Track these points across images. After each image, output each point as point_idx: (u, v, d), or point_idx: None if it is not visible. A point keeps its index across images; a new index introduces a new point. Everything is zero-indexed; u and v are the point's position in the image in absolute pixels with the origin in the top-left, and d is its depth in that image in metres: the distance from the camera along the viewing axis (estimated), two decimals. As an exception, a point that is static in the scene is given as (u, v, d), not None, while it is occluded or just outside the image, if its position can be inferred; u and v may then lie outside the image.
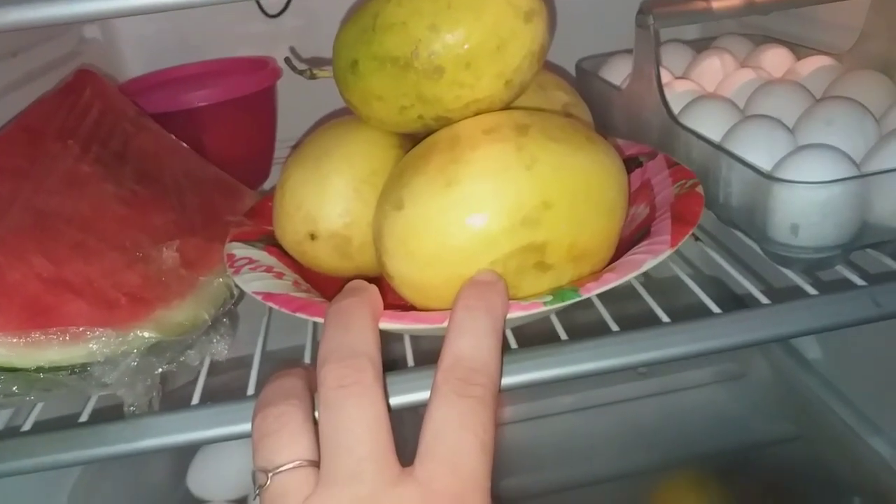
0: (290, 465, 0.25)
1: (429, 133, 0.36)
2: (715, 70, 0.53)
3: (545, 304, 0.31)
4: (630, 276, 0.32)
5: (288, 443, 0.26)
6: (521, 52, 0.36)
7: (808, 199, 0.34)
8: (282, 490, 0.25)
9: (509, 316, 0.31)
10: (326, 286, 0.40)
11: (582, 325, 0.37)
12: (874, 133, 0.40)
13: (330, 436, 0.25)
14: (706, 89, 0.51)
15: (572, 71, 0.62)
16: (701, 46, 0.59)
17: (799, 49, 0.56)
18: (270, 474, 0.25)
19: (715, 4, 0.45)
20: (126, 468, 0.57)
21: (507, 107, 0.38)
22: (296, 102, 0.62)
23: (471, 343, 0.28)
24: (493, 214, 0.31)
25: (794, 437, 0.62)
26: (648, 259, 0.33)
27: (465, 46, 0.35)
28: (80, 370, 0.29)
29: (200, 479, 0.56)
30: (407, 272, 0.33)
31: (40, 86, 0.49)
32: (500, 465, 0.63)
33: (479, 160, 0.32)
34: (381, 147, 0.38)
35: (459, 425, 0.26)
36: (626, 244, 0.37)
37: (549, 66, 0.61)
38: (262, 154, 0.59)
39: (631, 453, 0.62)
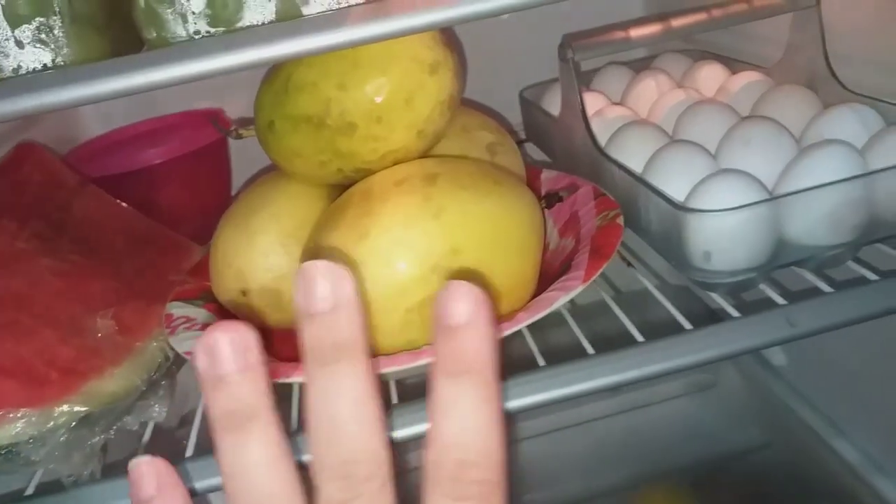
0: None
1: (352, 184, 0.37)
2: (650, 92, 0.54)
3: (458, 349, 0.32)
4: (542, 314, 0.33)
5: None
6: (430, 103, 0.37)
7: (715, 227, 0.35)
8: None
9: (417, 364, 0.32)
10: (265, 337, 0.41)
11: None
12: (792, 150, 0.41)
13: None
14: (640, 113, 0.52)
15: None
16: (644, 66, 0.60)
17: (734, 63, 0.57)
18: None
19: (633, 33, 0.46)
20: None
21: (425, 155, 0.39)
22: (251, 151, 0.64)
23: (458, 425, 0.22)
24: (403, 265, 0.32)
25: (765, 444, 0.62)
26: (560, 296, 0.34)
27: (374, 102, 0.36)
28: (5, 452, 0.30)
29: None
30: (327, 326, 0.34)
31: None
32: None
33: (388, 213, 0.33)
34: (306, 201, 0.40)
35: None
36: (555, 277, 0.38)
37: (492, 100, 0.63)
38: (219, 205, 0.60)
39: (605, 471, 0.63)
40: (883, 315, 0.35)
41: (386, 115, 0.36)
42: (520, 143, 0.63)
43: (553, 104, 0.56)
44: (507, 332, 0.33)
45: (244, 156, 0.61)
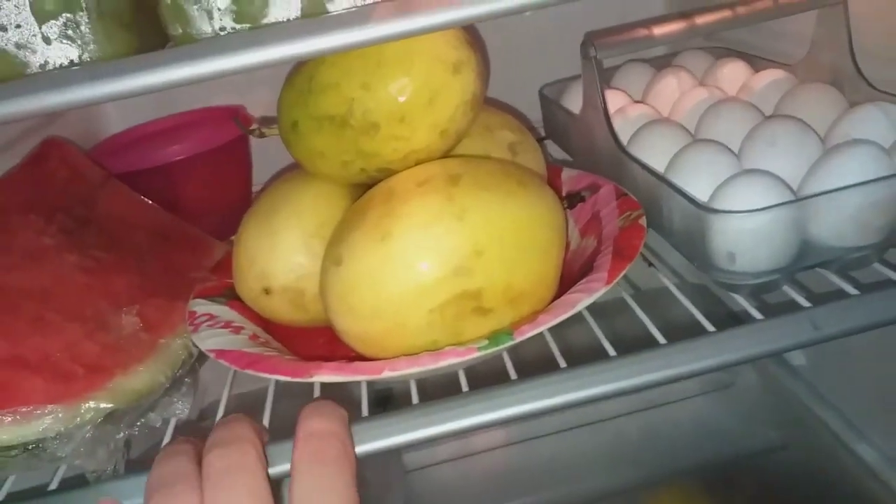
0: None
1: (374, 183, 0.37)
2: (671, 90, 0.53)
3: (480, 349, 0.32)
4: (564, 317, 0.33)
5: None
6: (454, 102, 0.37)
7: (740, 228, 0.35)
8: None
9: (452, 362, 0.32)
10: (288, 335, 0.41)
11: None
12: (817, 150, 0.40)
13: None
14: (662, 111, 0.52)
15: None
16: (665, 63, 0.59)
17: (757, 61, 0.56)
18: None
19: (656, 31, 0.46)
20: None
21: (447, 154, 0.39)
22: (271, 148, 0.64)
23: None
24: (425, 265, 0.32)
25: (782, 446, 0.62)
26: (583, 298, 0.34)
27: (398, 102, 0.36)
28: (32, 447, 0.31)
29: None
30: (349, 326, 0.34)
31: (20, 150, 0.50)
32: (490, 489, 0.64)
33: (411, 213, 0.33)
34: (329, 199, 0.40)
35: None
36: (576, 278, 0.38)
37: (512, 98, 0.63)
38: (239, 202, 0.61)
39: (620, 470, 0.63)
40: (910, 319, 0.34)
41: (409, 114, 0.36)
42: (539, 140, 0.63)
43: (573, 102, 0.56)
44: (529, 335, 0.32)
45: (265, 153, 0.61)
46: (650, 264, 0.42)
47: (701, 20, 0.46)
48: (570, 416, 0.64)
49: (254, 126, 0.42)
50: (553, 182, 0.48)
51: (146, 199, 0.48)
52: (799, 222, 0.36)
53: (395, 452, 0.56)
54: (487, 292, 0.33)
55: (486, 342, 0.32)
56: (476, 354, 0.32)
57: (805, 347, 0.34)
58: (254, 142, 0.62)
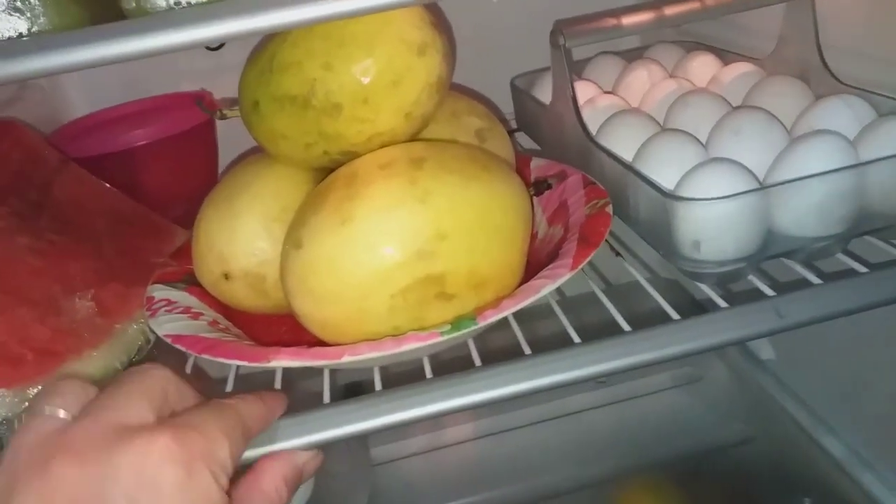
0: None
1: (338, 167, 0.37)
2: (642, 82, 0.53)
3: (442, 333, 0.32)
4: (528, 302, 0.33)
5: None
6: (419, 85, 0.36)
7: (705, 216, 0.34)
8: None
9: (414, 346, 0.31)
10: (249, 322, 0.40)
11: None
12: (783, 140, 0.40)
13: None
14: (632, 102, 0.52)
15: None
16: (637, 56, 0.59)
17: (726, 55, 0.56)
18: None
19: (625, 20, 0.46)
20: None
21: (413, 138, 0.39)
22: (239, 133, 0.63)
23: None
24: (387, 249, 0.32)
25: (751, 438, 0.62)
26: (547, 284, 0.33)
27: (361, 83, 0.35)
28: (-23, 431, 0.29)
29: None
30: (309, 310, 0.33)
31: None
32: (460, 483, 0.63)
33: (373, 196, 0.32)
34: (291, 183, 0.39)
35: None
36: (543, 265, 0.37)
37: (485, 89, 0.63)
38: (205, 188, 0.59)
39: (591, 463, 0.63)
40: (871, 308, 0.34)
41: (372, 96, 0.35)
42: (511, 132, 0.63)
43: (544, 93, 0.55)
44: (492, 320, 0.32)
45: (232, 138, 0.60)
46: (617, 254, 0.41)
47: (670, 11, 0.46)
48: (540, 409, 0.64)
49: (217, 109, 0.41)
50: (522, 171, 0.47)
51: (106, 185, 0.47)
52: (763, 211, 0.36)
53: (362, 445, 0.55)
54: (450, 277, 0.33)
55: (449, 327, 0.32)
56: (438, 339, 0.31)
57: (769, 335, 0.34)
58: (221, 127, 0.61)
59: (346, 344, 0.32)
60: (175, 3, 0.30)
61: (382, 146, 0.37)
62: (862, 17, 0.45)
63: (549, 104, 0.51)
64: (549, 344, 0.35)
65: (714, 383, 0.67)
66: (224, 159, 0.62)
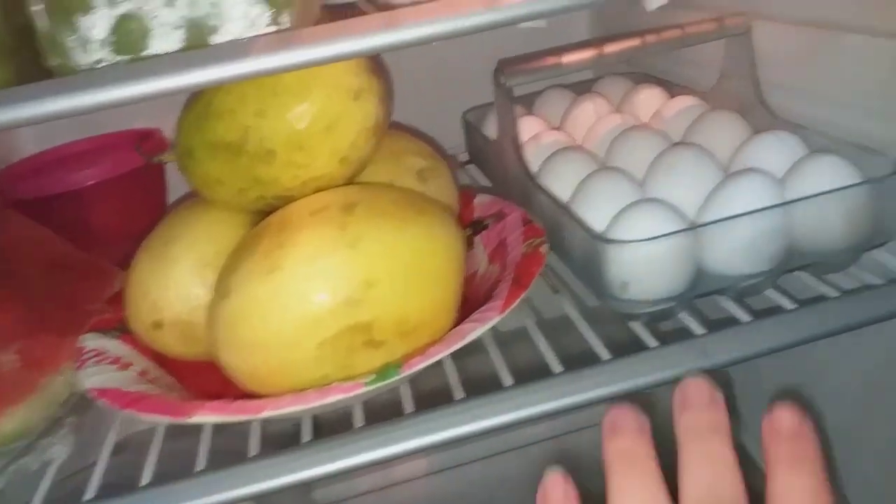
0: None
1: (275, 210, 0.37)
2: (588, 116, 0.54)
3: (367, 384, 0.31)
4: (455, 348, 0.33)
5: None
6: (354, 129, 0.36)
7: (631, 257, 0.35)
8: None
9: (338, 398, 0.31)
10: (183, 370, 0.40)
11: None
12: (716, 177, 0.41)
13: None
14: (578, 137, 0.52)
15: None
16: (587, 88, 0.60)
17: (673, 87, 0.57)
18: None
19: (565, 59, 0.47)
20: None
21: (350, 181, 0.39)
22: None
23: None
24: (315, 297, 0.32)
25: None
26: (476, 328, 0.33)
27: (295, 129, 0.35)
28: None
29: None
30: (235, 362, 0.33)
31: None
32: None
33: (301, 243, 0.33)
34: (228, 227, 0.39)
35: None
36: (481, 304, 0.37)
37: (440, 121, 0.63)
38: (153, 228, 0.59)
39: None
40: (797, 345, 0.35)
41: (307, 142, 0.35)
42: (464, 164, 0.63)
43: (493, 127, 0.56)
44: (418, 368, 0.32)
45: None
46: (556, 291, 0.42)
47: (610, 49, 0.47)
48: (491, 443, 0.63)
49: (156, 152, 0.41)
50: (465, 207, 0.48)
51: (44, 229, 0.46)
52: (691, 251, 0.36)
53: (303, 488, 0.54)
54: (379, 324, 0.33)
55: (374, 377, 0.32)
56: (363, 390, 0.31)
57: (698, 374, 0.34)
58: (171, 166, 0.61)
59: (271, 395, 0.32)
60: (98, 61, 0.30)
61: (318, 190, 0.37)
62: (798, 55, 0.46)
63: (495, 140, 0.52)
64: (485, 382, 0.36)
65: (663, 412, 0.66)
66: (174, 199, 0.61)
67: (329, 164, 0.37)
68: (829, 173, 0.38)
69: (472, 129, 0.59)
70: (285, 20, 0.28)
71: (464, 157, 0.64)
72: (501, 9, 0.27)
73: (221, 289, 0.33)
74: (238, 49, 0.29)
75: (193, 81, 0.28)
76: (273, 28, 0.28)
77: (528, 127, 0.53)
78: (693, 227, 0.36)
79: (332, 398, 0.31)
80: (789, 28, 0.45)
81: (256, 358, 0.32)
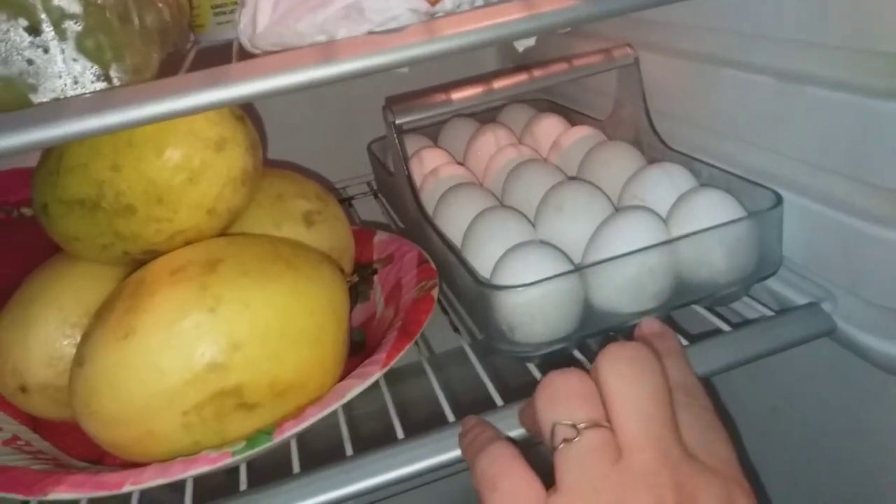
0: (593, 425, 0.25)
1: (144, 264, 0.35)
2: (489, 146, 0.54)
3: (234, 453, 0.30)
4: (332, 409, 0.31)
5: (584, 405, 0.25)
6: (219, 180, 0.35)
7: (514, 302, 0.34)
8: (593, 445, 0.24)
9: (205, 469, 0.29)
10: (61, 430, 0.37)
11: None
12: (605, 213, 0.40)
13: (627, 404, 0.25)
14: (479, 168, 0.52)
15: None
16: (492, 117, 0.60)
17: (574, 115, 0.57)
18: (581, 426, 0.25)
19: (454, 95, 0.46)
20: None
21: (224, 231, 0.37)
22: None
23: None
24: (172, 366, 0.30)
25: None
26: (356, 385, 0.32)
27: (153, 183, 0.33)
28: None
29: None
30: (96, 432, 0.31)
31: None
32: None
33: (157, 307, 0.31)
34: (96, 282, 0.37)
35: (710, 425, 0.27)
36: (374, 350, 0.36)
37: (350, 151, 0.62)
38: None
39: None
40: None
41: (167, 196, 0.34)
42: (375, 194, 0.62)
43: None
44: (291, 433, 0.30)
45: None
46: (455, 329, 0.41)
47: (499, 84, 0.47)
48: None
49: (15, 207, 0.38)
50: (364, 246, 0.46)
51: None
52: (578, 292, 0.36)
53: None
54: (250, 387, 0.31)
55: (244, 444, 0.30)
56: (230, 460, 0.30)
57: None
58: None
59: (139, 464, 0.30)
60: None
61: (187, 243, 0.35)
62: (682, 86, 0.47)
63: (393, 174, 0.51)
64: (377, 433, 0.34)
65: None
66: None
67: (194, 217, 0.35)
68: (712, 208, 0.38)
69: (375, 161, 0.58)
70: (117, 74, 0.26)
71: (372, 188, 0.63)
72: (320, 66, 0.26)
73: (77, 356, 0.31)
74: (61, 109, 0.26)
75: (45, 137, 0.26)
76: (101, 84, 0.26)
77: (431, 159, 0.52)
78: (576, 270, 0.35)
79: (199, 469, 0.29)
80: (673, 60, 0.46)
81: (115, 430, 0.30)
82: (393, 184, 0.53)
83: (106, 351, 0.30)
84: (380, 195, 0.61)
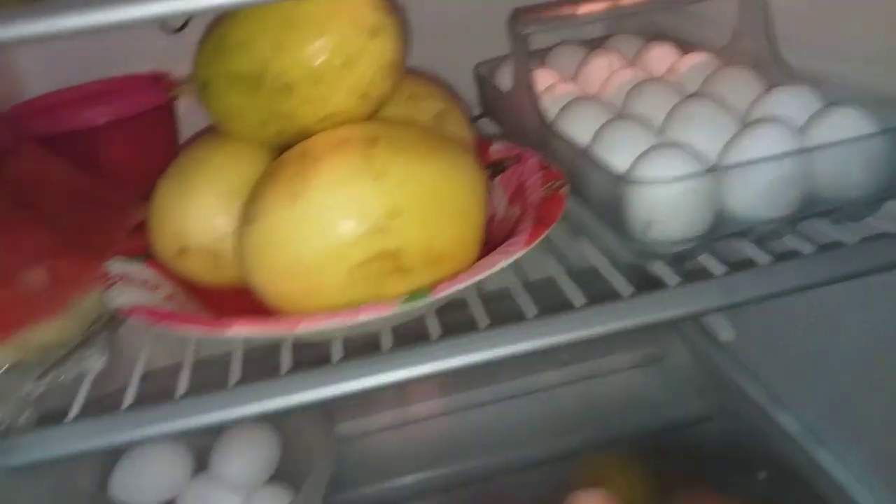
0: None
1: (293, 145, 0.37)
2: (601, 70, 0.54)
3: (399, 304, 0.32)
4: (483, 276, 0.33)
5: None
6: (372, 66, 0.36)
7: (655, 198, 0.35)
8: None
9: (370, 317, 0.32)
10: (208, 297, 0.40)
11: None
12: (734, 128, 0.41)
13: None
14: (590, 90, 0.53)
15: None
16: (598, 45, 0.60)
17: (685, 45, 0.57)
18: None
19: (582, 9, 0.47)
20: (46, 475, 0.56)
21: (368, 119, 0.39)
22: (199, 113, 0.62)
23: None
24: (339, 225, 0.32)
25: (709, 416, 0.64)
26: (502, 259, 0.34)
27: (312, 64, 0.35)
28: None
29: (123, 485, 0.56)
30: (267, 285, 0.33)
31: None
32: (427, 458, 0.64)
33: (326, 172, 0.33)
34: (246, 160, 0.39)
35: None
36: (500, 244, 0.38)
37: (451, 74, 0.63)
38: (165, 168, 0.59)
39: (555, 438, 0.64)
40: (817, 286, 0.36)
41: (324, 77, 0.35)
42: (475, 118, 0.63)
43: (506, 79, 0.56)
44: (448, 292, 0.33)
45: (196, 117, 0.59)
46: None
47: (626, 1, 0.47)
48: (507, 386, 0.65)
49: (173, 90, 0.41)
50: (481, 155, 0.48)
51: (64, 161, 0.46)
52: (713, 194, 0.37)
53: (326, 420, 0.55)
54: (406, 252, 0.33)
55: (406, 297, 0.32)
56: (394, 310, 0.32)
57: (716, 311, 0.35)
58: (183, 106, 0.61)
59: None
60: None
61: (337, 126, 0.37)
62: (812, 11, 0.47)
63: (509, 91, 0.52)
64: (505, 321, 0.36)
65: (674, 363, 0.68)
66: (186, 138, 0.61)
67: (347, 101, 0.37)
68: (847, 124, 0.38)
69: (484, 82, 0.59)
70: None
71: (475, 111, 0.64)
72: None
73: (246, 215, 0.34)
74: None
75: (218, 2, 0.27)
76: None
77: (542, 79, 0.53)
78: (715, 170, 0.36)
79: (365, 317, 0.31)
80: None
81: (287, 281, 0.33)
82: (504, 102, 0.54)
83: (276, 210, 0.32)
84: (480, 120, 0.63)
